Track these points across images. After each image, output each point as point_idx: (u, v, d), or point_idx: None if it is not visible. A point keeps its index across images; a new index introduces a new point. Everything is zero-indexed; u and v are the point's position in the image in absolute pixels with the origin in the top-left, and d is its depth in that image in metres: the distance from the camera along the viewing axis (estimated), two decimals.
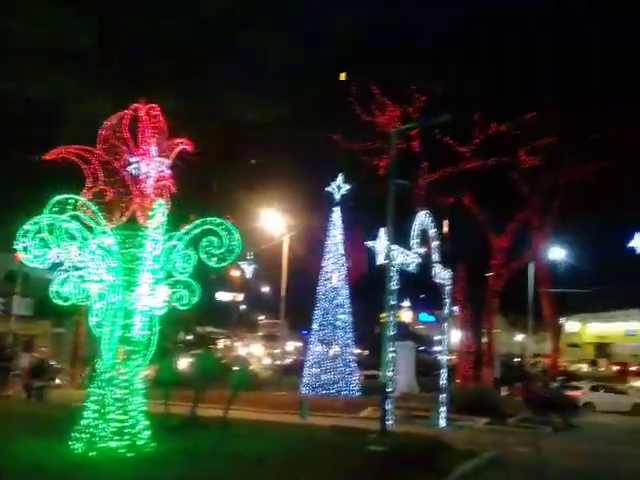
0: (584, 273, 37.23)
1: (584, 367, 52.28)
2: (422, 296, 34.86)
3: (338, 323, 22.37)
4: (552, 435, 15.74)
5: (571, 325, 68.83)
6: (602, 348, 68.40)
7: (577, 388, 25.98)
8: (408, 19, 27.88)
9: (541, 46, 24.66)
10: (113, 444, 8.09)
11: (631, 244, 24.59)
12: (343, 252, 23.25)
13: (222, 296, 59.16)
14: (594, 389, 25.69)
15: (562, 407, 18.20)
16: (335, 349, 22.27)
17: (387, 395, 13.16)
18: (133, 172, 9.23)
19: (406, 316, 57.99)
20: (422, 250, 15.93)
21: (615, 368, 50.18)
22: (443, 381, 16.61)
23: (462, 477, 9.13)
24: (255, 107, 21.74)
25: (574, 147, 24.63)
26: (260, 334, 43.14)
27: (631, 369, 47.52)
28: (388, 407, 13.11)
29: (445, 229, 25.71)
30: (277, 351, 34.97)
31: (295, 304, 31.55)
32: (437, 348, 35.02)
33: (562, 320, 59.46)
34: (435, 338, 47.11)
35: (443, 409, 15.93)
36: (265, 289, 57.61)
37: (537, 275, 31.72)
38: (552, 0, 26.60)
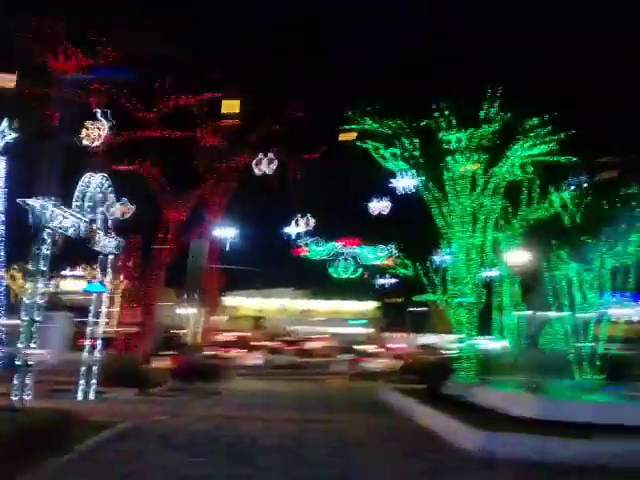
0: (248, 252, 40.53)
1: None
2: (84, 265, 32.99)
3: None
4: (194, 402, 16.62)
5: (234, 300, 75.22)
6: (259, 321, 76.61)
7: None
8: None
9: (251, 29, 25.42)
10: None
11: (286, 230, 27.64)
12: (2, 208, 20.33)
13: None
14: (273, 352, 39.43)
15: (206, 375, 19.42)
16: None
17: (21, 368, 12.06)
18: None
19: (71, 285, 54.25)
20: (89, 215, 15.08)
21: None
22: (96, 353, 16.16)
23: (90, 450, 8.92)
24: None
25: (253, 133, 26.53)
26: None
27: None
28: (26, 381, 12.06)
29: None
30: None
31: None
32: (99, 319, 33.67)
33: (227, 295, 63.80)
34: (100, 309, 45.39)
35: (93, 381, 15.50)
36: None
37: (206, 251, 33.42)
38: None
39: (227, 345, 46.16)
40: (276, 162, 24.84)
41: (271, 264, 50.30)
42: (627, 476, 8.01)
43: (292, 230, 27.95)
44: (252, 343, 47.39)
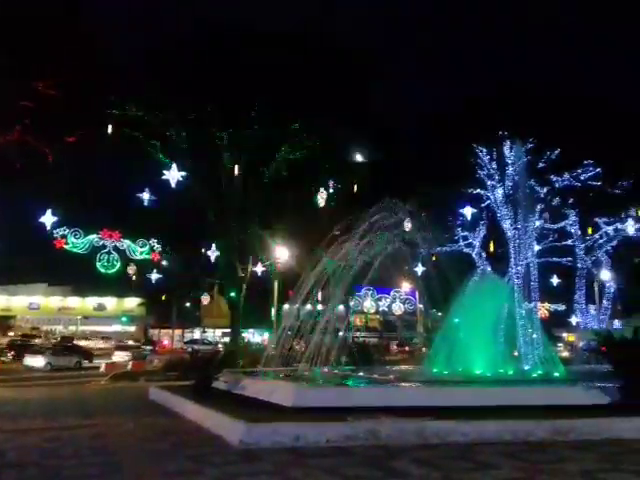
0: None
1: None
2: None
3: None
4: None
5: None
6: (4, 321, 67.82)
7: (41, 352, 35.98)
8: None
9: None
10: None
11: (42, 219, 25.01)
12: None
13: None
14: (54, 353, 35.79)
15: None
16: None
17: None
18: None
19: None
20: None
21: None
22: None
23: None
24: None
25: None
26: None
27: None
28: None
29: None
30: None
31: None
32: None
33: None
34: None
35: None
36: None
37: None
38: None
39: None
40: None
41: (21, 257, 44.93)
42: (376, 455, 8.96)
43: (48, 220, 25.27)
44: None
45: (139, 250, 26.03)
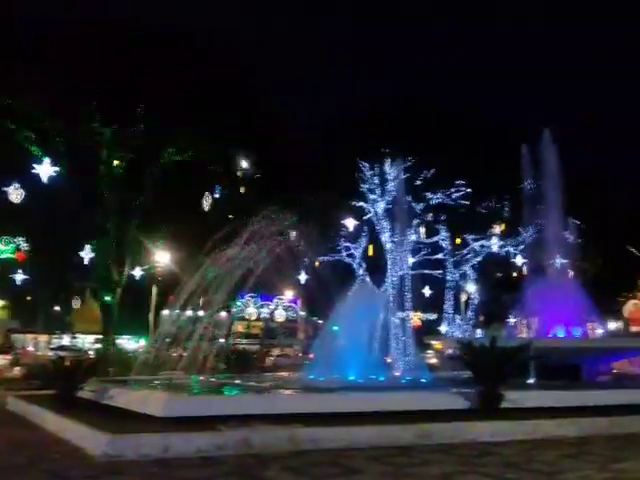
0: None
1: None
2: None
3: None
4: None
5: None
6: None
7: None
8: None
9: None
10: None
11: None
12: None
13: None
14: None
15: None
16: None
17: None
18: None
19: None
20: None
21: None
22: None
23: None
24: None
25: None
26: None
27: None
28: None
29: None
30: None
31: None
32: None
33: None
34: None
35: None
36: None
37: None
38: None
39: None
40: None
41: None
42: (247, 464, 8.88)
43: None
44: None
45: (2, 248, 24.03)
